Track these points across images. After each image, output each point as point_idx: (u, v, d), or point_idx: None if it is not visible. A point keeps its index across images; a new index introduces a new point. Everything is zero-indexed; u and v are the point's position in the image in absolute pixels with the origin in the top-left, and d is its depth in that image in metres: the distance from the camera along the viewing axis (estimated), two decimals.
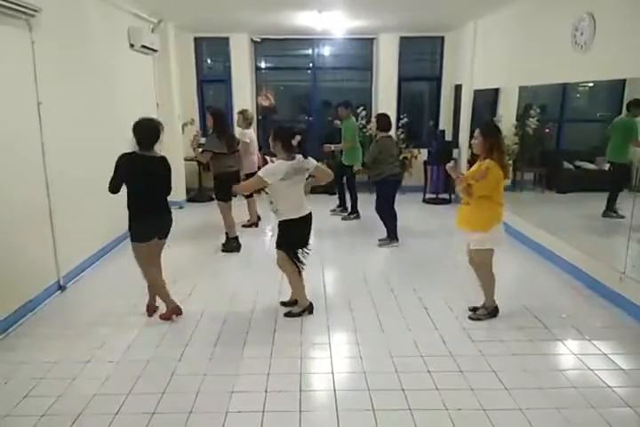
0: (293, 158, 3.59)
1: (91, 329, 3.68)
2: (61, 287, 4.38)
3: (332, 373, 3.10)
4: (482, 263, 3.74)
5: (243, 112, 6.38)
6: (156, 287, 3.83)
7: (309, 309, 3.92)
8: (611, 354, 3.28)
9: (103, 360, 3.25)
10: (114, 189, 3.52)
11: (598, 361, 3.21)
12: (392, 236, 5.66)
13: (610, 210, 4.76)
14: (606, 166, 5.08)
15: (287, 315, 3.87)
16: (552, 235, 5.12)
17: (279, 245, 3.78)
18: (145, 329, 3.70)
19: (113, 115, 5.56)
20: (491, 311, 3.81)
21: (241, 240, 5.54)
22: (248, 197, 6.27)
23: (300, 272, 3.85)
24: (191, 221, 6.57)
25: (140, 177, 3.55)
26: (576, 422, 2.60)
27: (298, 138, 3.59)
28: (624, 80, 4.42)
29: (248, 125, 6.31)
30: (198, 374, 3.06)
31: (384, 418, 2.65)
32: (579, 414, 2.67)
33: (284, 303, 4.04)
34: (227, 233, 5.47)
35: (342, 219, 6.82)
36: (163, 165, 3.68)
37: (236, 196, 5.54)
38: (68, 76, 4.62)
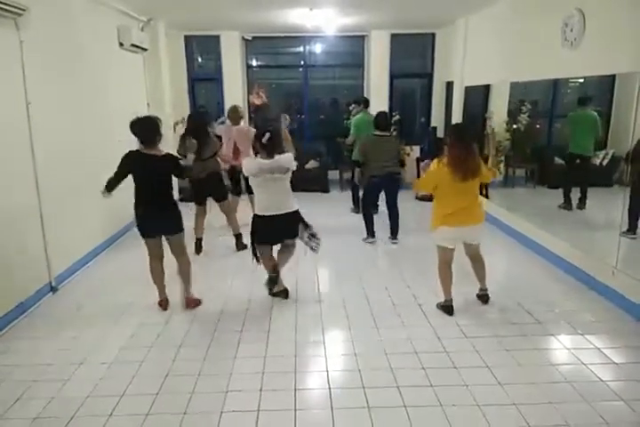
0: (271, 157, 3.75)
1: (83, 330, 3.66)
2: (53, 289, 4.34)
3: (327, 371, 3.09)
4: (479, 251, 3.93)
5: None
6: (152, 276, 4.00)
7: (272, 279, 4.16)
8: (604, 348, 3.30)
9: (96, 362, 3.22)
10: (108, 185, 3.70)
11: (591, 355, 3.22)
12: (367, 231, 5.74)
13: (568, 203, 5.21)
14: (598, 161, 5.16)
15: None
16: (544, 230, 5.14)
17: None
18: (138, 330, 3.68)
19: (103, 114, 5.52)
20: None
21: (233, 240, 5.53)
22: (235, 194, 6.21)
23: (261, 260, 4.09)
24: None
25: (138, 175, 3.72)
26: (570, 417, 2.61)
27: (267, 135, 3.72)
28: (614, 75, 4.44)
29: (234, 121, 6.16)
30: (192, 375, 3.05)
31: (379, 415, 2.65)
32: (572, 409, 2.68)
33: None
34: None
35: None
36: (161, 164, 3.71)
37: (214, 200, 5.38)
38: (57, 76, 4.58)
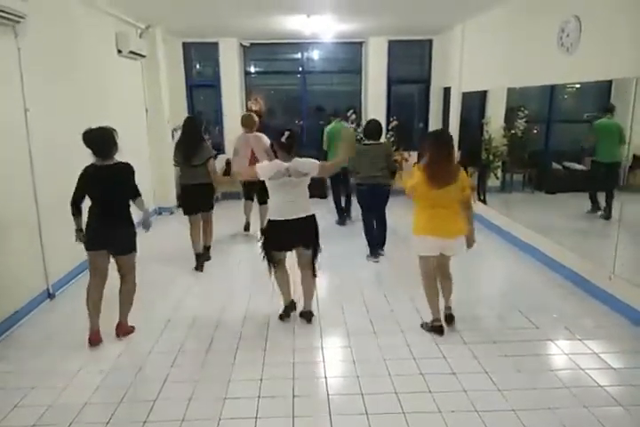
0: (290, 160, 3.62)
1: (81, 337, 3.63)
2: (51, 295, 4.33)
3: (325, 377, 3.09)
4: (448, 267, 3.72)
5: None
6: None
7: (288, 309, 3.95)
8: (602, 353, 3.30)
9: (94, 369, 3.21)
10: (72, 202, 3.49)
11: (589, 360, 3.22)
12: (370, 250, 5.41)
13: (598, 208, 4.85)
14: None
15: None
16: (542, 235, 5.15)
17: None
18: (136, 337, 3.67)
19: (101, 121, 5.48)
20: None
21: (234, 246, 5.51)
22: (247, 198, 6.28)
23: (274, 272, 3.85)
24: (178, 227, 6.51)
25: (95, 189, 3.48)
26: (568, 422, 2.61)
27: (287, 133, 3.62)
28: (610, 81, 4.47)
29: (249, 129, 6.09)
30: (190, 381, 3.04)
31: (378, 422, 2.65)
32: (571, 414, 2.68)
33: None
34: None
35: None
36: (118, 173, 3.51)
37: (200, 211, 5.20)
38: (55, 83, 4.59)
